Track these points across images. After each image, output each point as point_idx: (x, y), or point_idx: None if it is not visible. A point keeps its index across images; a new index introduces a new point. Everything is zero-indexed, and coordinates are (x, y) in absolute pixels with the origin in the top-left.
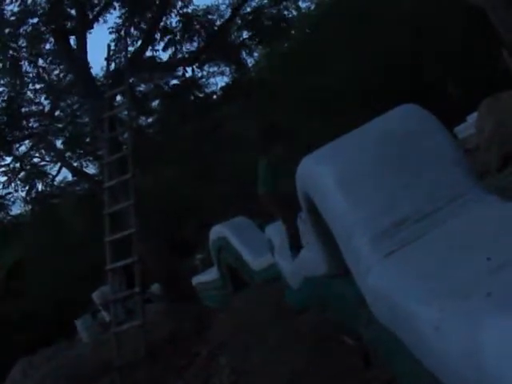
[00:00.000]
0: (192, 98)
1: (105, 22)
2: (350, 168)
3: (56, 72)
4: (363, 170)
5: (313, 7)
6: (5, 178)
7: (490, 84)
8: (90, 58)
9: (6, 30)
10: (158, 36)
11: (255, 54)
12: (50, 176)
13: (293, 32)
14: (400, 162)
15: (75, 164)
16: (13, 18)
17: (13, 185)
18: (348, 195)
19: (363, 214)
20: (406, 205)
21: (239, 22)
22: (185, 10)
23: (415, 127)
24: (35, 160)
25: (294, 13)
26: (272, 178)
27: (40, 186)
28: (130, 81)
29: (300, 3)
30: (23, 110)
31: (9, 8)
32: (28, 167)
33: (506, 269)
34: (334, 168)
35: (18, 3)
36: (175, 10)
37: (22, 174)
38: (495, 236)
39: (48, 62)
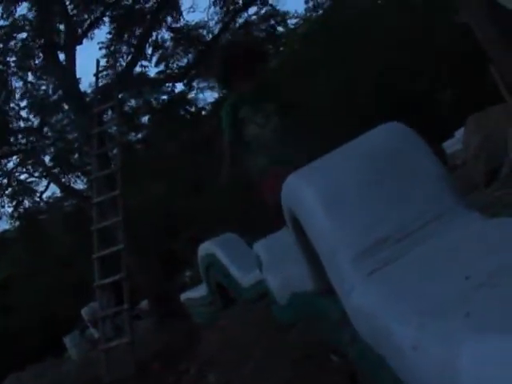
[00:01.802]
0: (182, 113)
1: (91, 38)
2: (333, 186)
3: (45, 87)
4: (347, 188)
5: (301, 23)
6: None
7: (478, 99)
8: (79, 73)
9: None
10: (147, 51)
11: None
12: (38, 192)
13: (281, 48)
14: (383, 180)
15: (63, 180)
16: (1, 33)
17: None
18: (331, 213)
19: (346, 232)
20: (389, 223)
21: (229, 37)
22: (174, 26)
23: (398, 145)
24: (23, 176)
25: (282, 29)
26: (233, 120)
27: (27, 202)
28: (120, 96)
29: (288, 20)
30: (11, 125)
31: None
32: (15, 183)
33: (485, 288)
34: (318, 186)
35: (6, 18)
36: (165, 26)
37: (10, 189)
38: (476, 254)
39: (37, 77)
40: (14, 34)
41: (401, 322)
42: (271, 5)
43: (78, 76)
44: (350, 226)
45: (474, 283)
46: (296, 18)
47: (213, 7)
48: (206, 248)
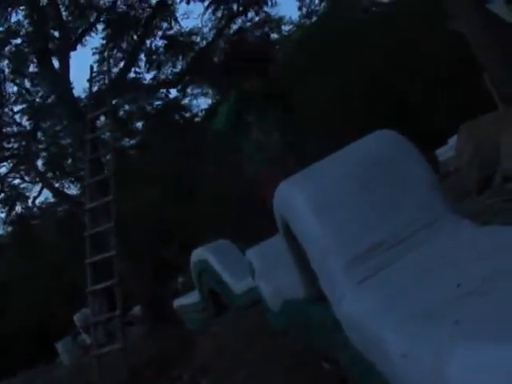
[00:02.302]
0: (175, 118)
1: (84, 45)
2: (324, 193)
3: (38, 93)
4: (338, 196)
5: (295, 30)
6: None
7: (473, 107)
8: (73, 78)
9: None
10: (141, 57)
11: None
12: (31, 198)
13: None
14: (375, 188)
15: (56, 185)
16: None
17: None
18: (322, 220)
19: (337, 239)
20: (379, 230)
21: (222, 44)
22: (168, 32)
23: (390, 152)
24: (16, 181)
25: (277, 36)
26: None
27: (20, 208)
28: (113, 102)
29: (282, 26)
30: (4, 130)
31: None
32: (8, 188)
33: (474, 296)
34: (310, 193)
35: (1, 24)
36: (159, 32)
37: (2, 195)
38: (467, 262)
39: (30, 82)
40: (9, 40)
41: (391, 330)
42: (265, 11)
43: (71, 81)
44: (341, 233)
45: (464, 290)
46: (290, 24)
47: (207, 14)
48: (198, 254)
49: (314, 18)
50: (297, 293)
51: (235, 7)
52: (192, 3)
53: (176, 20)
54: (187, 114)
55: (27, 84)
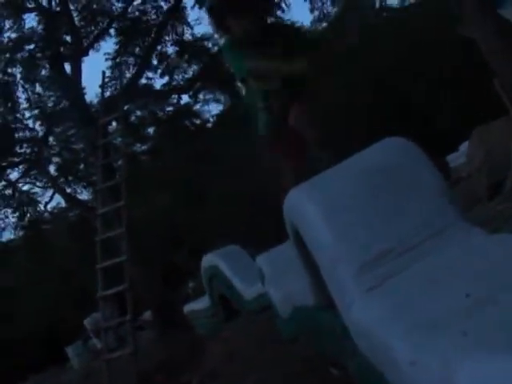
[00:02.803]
0: (187, 124)
1: (97, 51)
2: (334, 200)
3: (50, 98)
4: (348, 203)
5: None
6: None
7: (482, 113)
8: (85, 83)
9: (2, 56)
10: (153, 63)
11: None
12: (43, 203)
13: None
14: (384, 195)
15: (68, 190)
16: (9, 44)
17: (3, 211)
18: (332, 227)
19: (347, 246)
20: (389, 238)
21: None
22: (180, 38)
23: (399, 160)
24: (28, 186)
25: None
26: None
27: (31, 213)
28: (125, 108)
29: None
30: (16, 135)
31: (6, 35)
32: (20, 193)
33: (483, 307)
34: (320, 200)
35: (15, 29)
36: (170, 38)
37: (14, 200)
38: (477, 271)
39: (42, 87)
40: (22, 46)
41: (400, 338)
42: (278, 16)
43: (83, 87)
44: (350, 241)
45: (473, 300)
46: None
47: None
48: (209, 260)
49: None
50: (307, 299)
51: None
52: (204, 9)
53: (188, 25)
54: (198, 120)
55: (39, 89)
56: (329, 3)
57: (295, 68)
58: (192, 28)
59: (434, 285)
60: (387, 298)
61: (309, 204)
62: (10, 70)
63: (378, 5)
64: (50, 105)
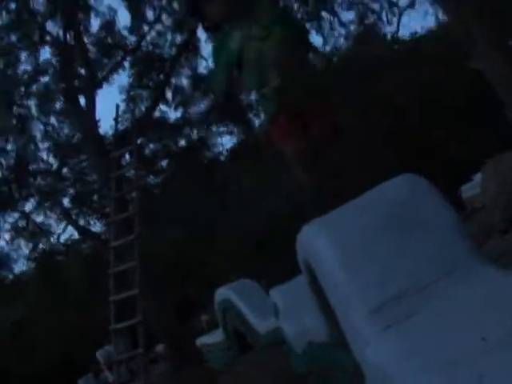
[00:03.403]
0: (200, 157)
1: (111, 84)
2: (348, 238)
3: (64, 130)
4: (361, 241)
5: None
6: (9, 235)
7: (496, 144)
8: (99, 116)
9: (18, 89)
10: (167, 96)
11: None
12: (56, 234)
13: None
14: (397, 233)
15: (81, 222)
16: (25, 77)
17: (17, 242)
18: (345, 266)
19: (360, 286)
20: (403, 277)
21: None
22: (194, 71)
23: (413, 197)
24: (41, 217)
25: None
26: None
27: (44, 244)
28: (139, 141)
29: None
30: (31, 167)
31: (21, 67)
32: (33, 225)
33: (500, 349)
34: (333, 238)
35: (30, 62)
36: (184, 71)
37: (27, 231)
38: (493, 313)
39: (57, 120)
40: (37, 78)
41: (414, 379)
42: None
43: (98, 119)
44: (364, 280)
45: (489, 344)
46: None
47: None
48: (222, 293)
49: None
50: (320, 335)
51: None
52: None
53: (202, 58)
54: (212, 153)
55: (54, 121)
56: (341, 38)
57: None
58: (206, 60)
59: (449, 326)
60: (401, 338)
61: (322, 241)
62: (25, 103)
63: (389, 37)
64: (64, 137)
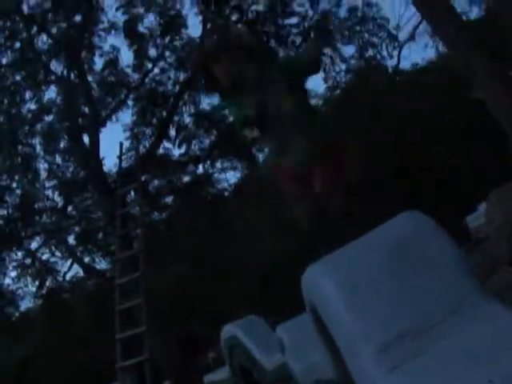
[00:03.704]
0: (204, 193)
1: (115, 121)
2: (352, 278)
3: (69, 168)
4: (366, 281)
5: (320, 103)
6: (16, 273)
7: (500, 173)
8: (104, 153)
9: (23, 128)
10: (170, 133)
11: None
12: (61, 272)
13: None
14: (402, 273)
15: (87, 259)
16: (29, 116)
17: (23, 280)
18: (350, 306)
19: (366, 326)
20: (408, 317)
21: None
22: (197, 108)
23: (417, 235)
24: (46, 255)
25: None
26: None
27: (50, 282)
28: (143, 178)
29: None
30: (36, 205)
31: (26, 106)
32: (39, 263)
33: None
34: (337, 278)
35: (34, 101)
36: (187, 108)
37: (33, 269)
38: (498, 350)
39: (61, 158)
40: (42, 117)
41: None
42: None
43: (102, 156)
44: (369, 320)
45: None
46: (316, 97)
47: None
48: (228, 330)
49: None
50: (327, 372)
51: None
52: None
53: (206, 95)
54: (216, 189)
55: (58, 160)
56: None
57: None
58: (208, 97)
59: (455, 366)
60: (408, 379)
61: (326, 281)
62: (29, 141)
63: (390, 70)
64: (68, 175)
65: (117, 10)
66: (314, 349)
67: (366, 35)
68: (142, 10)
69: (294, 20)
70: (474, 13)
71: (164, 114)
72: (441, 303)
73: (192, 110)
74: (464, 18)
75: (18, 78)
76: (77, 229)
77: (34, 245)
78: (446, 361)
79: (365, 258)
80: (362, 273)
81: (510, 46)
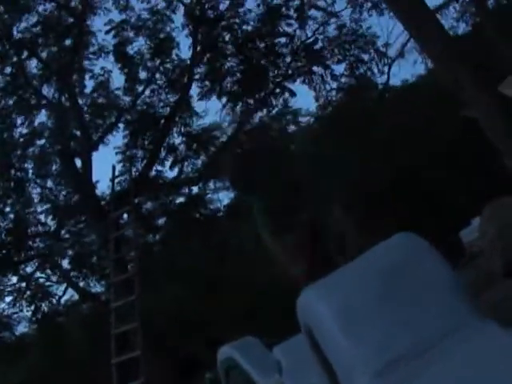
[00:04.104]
0: (197, 214)
1: (106, 145)
2: (347, 302)
3: (62, 192)
4: (361, 305)
5: (312, 121)
6: (10, 298)
7: (493, 188)
8: (96, 176)
9: (15, 152)
10: (162, 155)
11: None
12: (56, 296)
13: (293, 147)
14: (397, 296)
15: (81, 283)
16: (21, 140)
17: (18, 304)
18: (346, 331)
19: (362, 350)
20: (404, 341)
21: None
22: (188, 129)
23: (411, 258)
24: (41, 280)
25: (294, 127)
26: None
27: (45, 306)
28: (136, 200)
29: (300, 118)
30: (29, 230)
31: (18, 130)
32: (33, 287)
33: None
34: (332, 301)
35: (26, 125)
36: (178, 129)
37: (28, 293)
38: (492, 372)
39: (54, 182)
40: (34, 141)
41: None
42: (286, 105)
43: (95, 179)
44: (365, 344)
45: None
46: (307, 115)
47: (224, 110)
48: (225, 352)
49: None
50: None
51: (253, 101)
52: (211, 100)
53: (197, 115)
54: (209, 209)
55: (51, 184)
56: (333, 91)
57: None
58: (199, 117)
59: None
60: None
61: (321, 305)
62: (22, 166)
63: (380, 86)
64: (61, 199)
65: (106, 33)
66: (312, 370)
67: (356, 51)
68: (131, 34)
69: (282, 40)
70: (461, 28)
71: (155, 136)
72: (435, 326)
73: (183, 132)
74: (451, 33)
75: (9, 102)
76: (70, 252)
77: (28, 269)
78: (444, 382)
79: (359, 280)
80: (357, 296)
81: (496, 59)
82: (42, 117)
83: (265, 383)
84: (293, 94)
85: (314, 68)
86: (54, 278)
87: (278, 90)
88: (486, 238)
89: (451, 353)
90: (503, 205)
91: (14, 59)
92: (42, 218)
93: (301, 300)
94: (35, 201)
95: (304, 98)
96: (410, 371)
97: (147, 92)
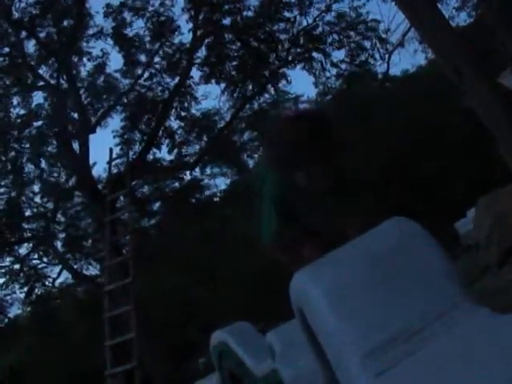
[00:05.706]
0: (194, 199)
1: (104, 128)
2: (340, 285)
3: (58, 174)
4: (353, 288)
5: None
6: (3, 279)
7: (489, 180)
8: (93, 159)
9: (12, 133)
10: (160, 138)
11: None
12: (50, 278)
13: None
14: (389, 278)
15: (76, 266)
16: (18, 121)
17: (11, 286)
18: (337, 313)
19: (353, 332)
20: (395, 322)
21: (241, 124)
22: (186, 114)
23: (405, 241)
24: (35, 262)
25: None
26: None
27: (39, 289)
28: (132, 184)
29: (300, 104)
30: (25, 211)
31: (15, 111)
32: (28, 269)
33: None
34: (324, 284)
35: (23, 106)
36: (176, 114)
37: (22, 275)
38: (484, 356)
39: (50, 164)
40: (30, 122)
41: None
42: (283, 91)
43: (92, 162)
44: (356, 326)
45: None
46: (307, 102)
47: (224, 94)
48: (218, 337)
49: (330, 96)
50: (318, 379)
51: (251, 87)
52: (210, 84)
53: (196, 100)
54: (206, 195)
55: (47, 166)
56: (332, 77)
57: None
58: (199, 102)
59: (441, 371)
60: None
61: (313, 288)
62: (18, 147)
63: (380, 75)
64: (57, 181)
65: (105, 16)
66: (305, 355)
67: (357, 37)
68: (129, 17)
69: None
70: (462, 18)
71: (154, 119)
72: (428, 308)
73: (182, 116)
74: (452, 23)
75: (6, 82)
76: (65, 235)
77: (22, 251)
78: (433, 365)
79: (352, 264)
80: (349, 279)
81: (497, 50)
82: (39, 99)
83: (258, 368)
84: (288, 81)
85: (314, 54)
86: (48, 260)
87: (273, 77)
88: (482, 229)
89: (443, 334)
90: (498, 196)
91: (13, 39)
92: (37, 199)
93: (293, 282)
94: (31, 182)
95: (303, 85)
96: (401, 352)
97: (146, 74)
